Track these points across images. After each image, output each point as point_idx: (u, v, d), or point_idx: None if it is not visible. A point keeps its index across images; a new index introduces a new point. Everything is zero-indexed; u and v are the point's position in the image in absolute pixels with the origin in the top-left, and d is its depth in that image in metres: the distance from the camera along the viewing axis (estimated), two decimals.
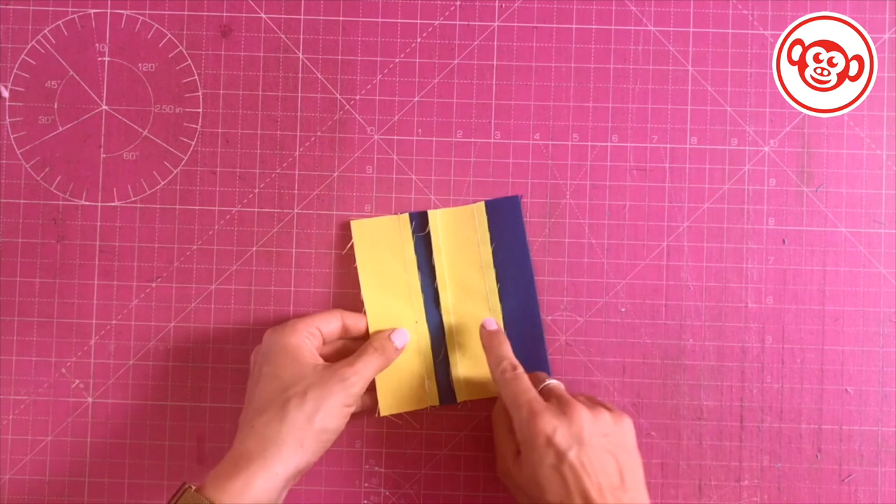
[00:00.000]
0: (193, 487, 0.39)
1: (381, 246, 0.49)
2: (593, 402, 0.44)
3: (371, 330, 0.48)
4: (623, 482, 0.41)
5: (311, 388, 0.42)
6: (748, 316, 0.49)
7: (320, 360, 0.44)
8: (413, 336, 0.48)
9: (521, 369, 0.44)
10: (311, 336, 0.45)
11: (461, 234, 0.49)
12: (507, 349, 0.46)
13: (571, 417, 0.41)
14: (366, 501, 0.49)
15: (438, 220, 0.49)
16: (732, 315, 0.49)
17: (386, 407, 0.48)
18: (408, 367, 0.48)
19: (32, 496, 0.48)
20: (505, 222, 0.49)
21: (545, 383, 0.45)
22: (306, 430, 0.41)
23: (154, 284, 0.49)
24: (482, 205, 0.49)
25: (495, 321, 0.48)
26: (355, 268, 0.48)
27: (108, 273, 0.49)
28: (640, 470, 0.42)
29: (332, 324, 0.46)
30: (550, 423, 0.41)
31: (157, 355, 0.49)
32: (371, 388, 0.48)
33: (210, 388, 0.49)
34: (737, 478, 0.49)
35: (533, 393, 0.43)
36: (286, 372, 0.43)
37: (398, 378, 0.48)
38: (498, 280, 0.49)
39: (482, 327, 0.47)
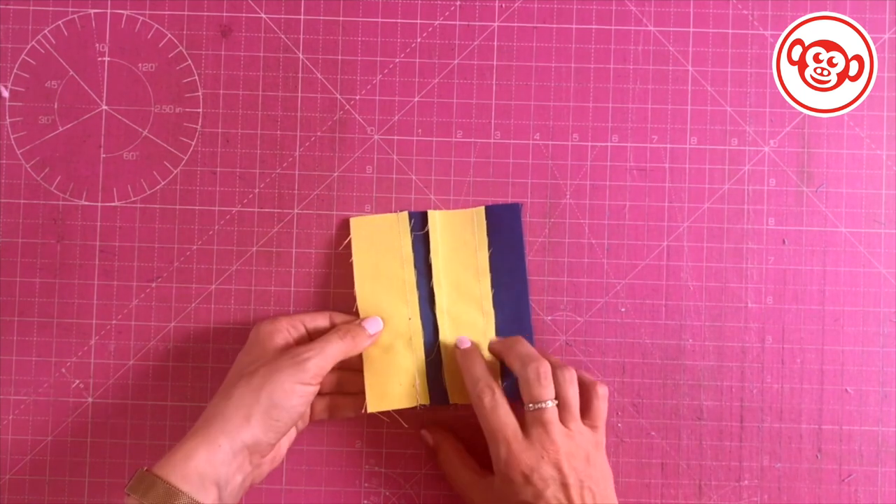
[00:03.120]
0: (146, 468, 0.39)
1: (378, 242, 0.49)
2: (576, 411, 0.43)
3: None
4: None
5: (262, 366, 0.42)
6: (748, 316, 0.49)
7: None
8: (405, 332, 0.48)
9: (498, 392, 0.43)
10: (291, 328, 0.45)
11: (459, 237, 0.49)
12: (480, 369, 0.45)
13: (553, 457, 0.41)
14: (366, 501, 0.49)
15: (438, 220, 0.49)
16: (732, 315, 0.49)
17: (374, 403, 0.47)
18: (398, 364, 0.47)
19: (32, 496, 0.48)
20: (504, 229, 0.49)
21: (538, 406, 0.42)
22: (253, 405, 0.41)
23: (154, 284, 0.49)
24: (482, 210, 0.49)
25: (469, 339, 0.47)
26: (351, 263, 0.48)
27: (108, 273, 0.49)
28: (610, 484, 0.43)
29: (317, 320, 0.46)
30: (527, 464, 0.41)
31: (157, 355, 0.49)
32: (357, 392, 0.47)
33: (210, 388, 0.49)
34: (737, 478, 0.49)
35: (511, 427, 0.42)
36: (249, 356, 0.44)
37: (387, 374, 0.47)
38: (492, 286, 0.48)
39: (456, 347, 0.47)
